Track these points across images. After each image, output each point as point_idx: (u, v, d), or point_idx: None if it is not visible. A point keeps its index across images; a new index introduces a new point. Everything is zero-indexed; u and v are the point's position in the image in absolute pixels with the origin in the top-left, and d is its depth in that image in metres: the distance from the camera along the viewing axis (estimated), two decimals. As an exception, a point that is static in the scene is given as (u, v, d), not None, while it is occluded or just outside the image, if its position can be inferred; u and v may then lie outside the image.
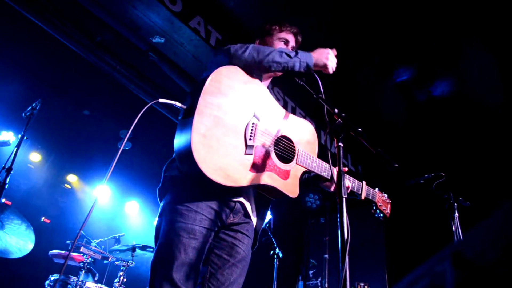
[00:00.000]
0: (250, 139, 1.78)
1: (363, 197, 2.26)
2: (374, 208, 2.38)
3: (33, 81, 5.41)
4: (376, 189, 2.40)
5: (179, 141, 1.69)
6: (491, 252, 0.51)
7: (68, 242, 4.24)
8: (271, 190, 1.90)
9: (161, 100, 1.74)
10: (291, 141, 1.99)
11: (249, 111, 1.83)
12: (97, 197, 1.57)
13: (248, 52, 1.88)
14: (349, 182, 2.16)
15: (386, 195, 2.45)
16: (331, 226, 7.02)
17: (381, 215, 2.41)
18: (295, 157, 1.97)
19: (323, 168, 2.07)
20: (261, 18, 4.56)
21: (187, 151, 1.60)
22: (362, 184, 2.27)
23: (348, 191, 2.16)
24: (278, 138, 1.94)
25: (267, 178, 1.82)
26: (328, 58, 1.98)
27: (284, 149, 1.97)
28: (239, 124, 1.77)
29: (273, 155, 1.88)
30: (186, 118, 1.67)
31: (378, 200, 2.37)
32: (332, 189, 2.11)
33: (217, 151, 1.65)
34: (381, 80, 5.38)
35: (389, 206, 2.45)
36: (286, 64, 1.92)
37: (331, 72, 2.01)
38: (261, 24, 2.26)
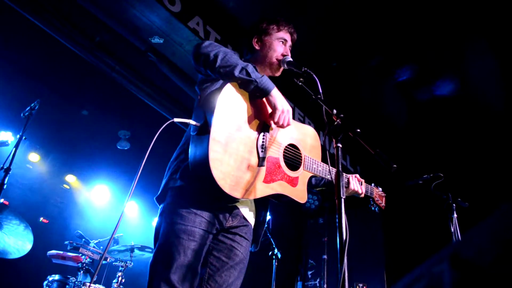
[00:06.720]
0: (262, 151, 1.80)
1: (362, 195, 2.34)
2: (371, 202, 2.49)
3: (32, 81, 5.40)
4: (372, 184, 2.49)
5: (195, 158, 1.69)
6: (489, 253, 0.51)
7: (66, 242, 4.23)
8: (282, 197, 1.94)
9: (176, 120, 1.71)
10: (297, 148, 2.03)
11: (259, 123, 1.85)
12: (124, 211, 1.54)
13: (214, 52, 1.75)
14: (362, 188, 2.28)
15: (380, 189, 2.55)
16: (330, 226, 7.03)
17: (377, 208, 2.51)
18: (302, 163, 2.01)
19: (327, 171, 2.14)
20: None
21: (205, 169, 1.61)
22: (361, 182, 2.34)
23: (363, 196, 2.30)
24: (286, 147, 1.97)
25: (279, 187, 1.86)
26: (283, 105, 1.81)
27: (292, 157, 2.01)
28: (251, 137, 1.80)
29: (282, 164, 1.91)
30: (201, 135, 1.68)
31: (375, 195, 2.47)
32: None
33: (233, 167, 1.67)
34: (381, 80, 5.38)
35: (384, 199, 2.55)
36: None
37: (276, 119, 1.81)
38: (257, 22, 2.19)
